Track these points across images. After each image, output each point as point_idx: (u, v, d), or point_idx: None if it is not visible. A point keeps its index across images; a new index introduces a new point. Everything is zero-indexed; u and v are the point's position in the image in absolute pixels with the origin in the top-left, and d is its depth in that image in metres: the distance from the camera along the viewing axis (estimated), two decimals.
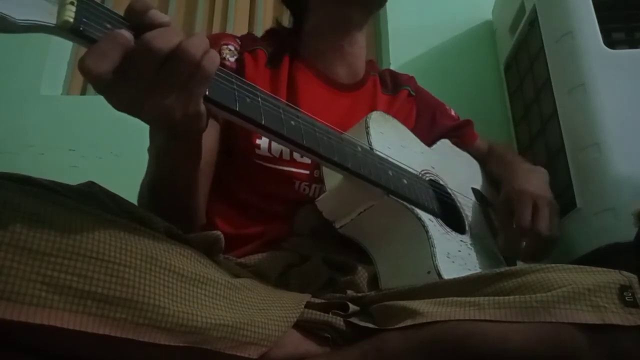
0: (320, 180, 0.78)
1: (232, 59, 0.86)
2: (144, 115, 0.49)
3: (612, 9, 1.01)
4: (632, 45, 1.00)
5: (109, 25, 0.44)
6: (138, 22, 0.46)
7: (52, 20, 0.41)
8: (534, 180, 0.87)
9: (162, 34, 0.45)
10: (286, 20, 1.05)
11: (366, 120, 0.77)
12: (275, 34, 0.99)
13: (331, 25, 0.92)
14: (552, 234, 0.80)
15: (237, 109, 0.53)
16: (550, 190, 0.87)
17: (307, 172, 0.81)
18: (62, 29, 0.42)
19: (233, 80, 0.54)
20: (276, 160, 0.80)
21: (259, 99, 0.57)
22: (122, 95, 0.47)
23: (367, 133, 0.74)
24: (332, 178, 0.73)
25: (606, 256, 0.86)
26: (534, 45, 1.18)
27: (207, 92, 0.50)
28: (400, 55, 1.53)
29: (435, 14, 1.59)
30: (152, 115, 0.49)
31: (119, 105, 0.48)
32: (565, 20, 1.03)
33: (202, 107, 0.51)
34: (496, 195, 1.01)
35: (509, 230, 0.82)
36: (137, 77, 0.45)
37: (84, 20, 0.43)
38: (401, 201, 0.70)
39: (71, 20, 0.42)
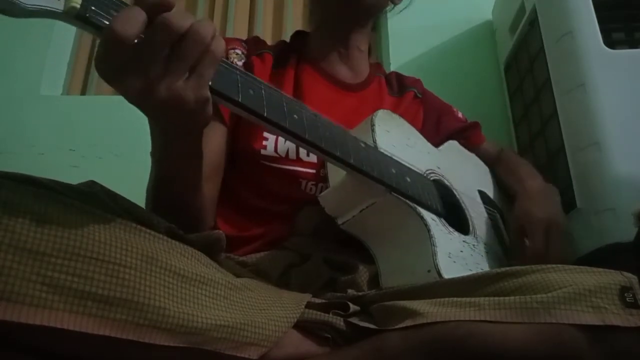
0: (327, 179, 0.78)
1: (240, 63, 0.87)
2: (158, 100, 0.47)
3: (612, 9, 1.01)
4: (632, 45, 1.00)
5: (115, 13, 0.45)
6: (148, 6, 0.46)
7: (59, 6, 0.42)
8: (547, 203, 0.86)
9: (177, 14, 0.46)
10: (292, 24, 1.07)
11: (372, 118, 0.77)
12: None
13: (333, 27, 0.93)
14: (564, 259, 0.80)
15: (240, 100, 0.53)
16: (562, 212, 0.86)
17: (314, 171, 0.81)
18: (69, 15, 0.43)
19: (237, 72, 0.55)
20: (282, 159, 0.80)
21: (262, 91, 0.57)
22: (136, 79, 0.46)
23: (373, 131, 0.74)
24: (336, 174, 0.73)
25: (606, 256, 0.86)
26: (534, 45, 1.18)
27: (210, 83, 0.50)
28: (401, 55, 1.53)
29: (435, 14, 1.58)
30: (166, 100, 0.47)
31: (132, 91, 0.47)
32: (565, 20, 1.03)
33: (209, 93, 0.51)
34: (503, 198, 1.01)
35: (522, 254, 0.82)
36: (153, 55, 0.46)
37: (91, 7, 0.43)
38: (403, 199, 0.70)
39: (78, 6, 0.42)
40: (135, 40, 0.44)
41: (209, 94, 0.50)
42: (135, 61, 0.45)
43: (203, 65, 0.48)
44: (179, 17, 0.46)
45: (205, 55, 0.48)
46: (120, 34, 0.43)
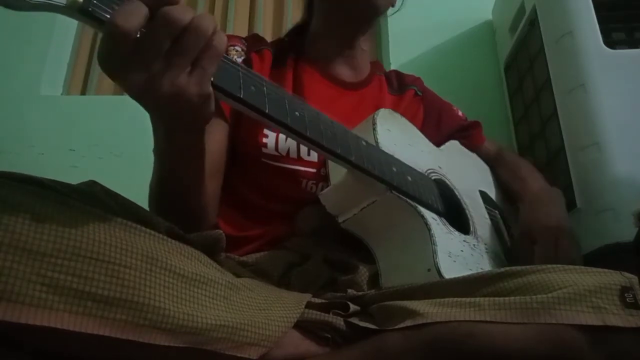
0: (327, 178, 0.78)
1: (240, 60, 0.86)
2: (160, 95, 0.47)
3: (612, 9, 1.02)
4: (632, 45, 1.00)
5: (116, 7, 0.45)
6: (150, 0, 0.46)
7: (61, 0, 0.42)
8: (554, 208, 0.85)
9: (178, 8, 0.46)
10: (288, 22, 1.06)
11: (374, 117, 0.77)
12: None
13: (335, 30, 0.93)
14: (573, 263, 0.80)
15: (242, 96, 0.53)
16: (567, 215, 0.85)
17: (314, 170, 0.81)
18: (71, 9, 0.43)
19: (239, 68, 0.55)
20: (283, 158, 0.80)
21: (264, 88, 0.57)
22: (139, 73, 0.46)
23: (374, 129, 0.74)
24: (337, 172, 0.73)
25: (606, 256, 0.86)
26: (534, 45, 1.18)
27: (212, 79, 0.50)
28: (401, 55, 1.53)
29: (435, 14, 1.59)
30: (169, 95, 0.47)
31: (135, 86, 0.46)
32: (565, 20, 1.03)
33: (211, 88, 0.51)
34: (503, 199, 1.00)
35: (530, 260, 0.79)
36: (154, 49, 0.45)
37: (93, 1, 0.44)
38: (404, 198, 0.70)
39: (80, 0, 0.43)
40: (138, 35, 0.44)
41: (211, 89, 0.50)
42: (138, 56, 0.45)
43: (205, 60, 0.48)
44: (180, 10, 0.46)
45: (207, 50, 0.48)
46: (121, 27, 0.43)
